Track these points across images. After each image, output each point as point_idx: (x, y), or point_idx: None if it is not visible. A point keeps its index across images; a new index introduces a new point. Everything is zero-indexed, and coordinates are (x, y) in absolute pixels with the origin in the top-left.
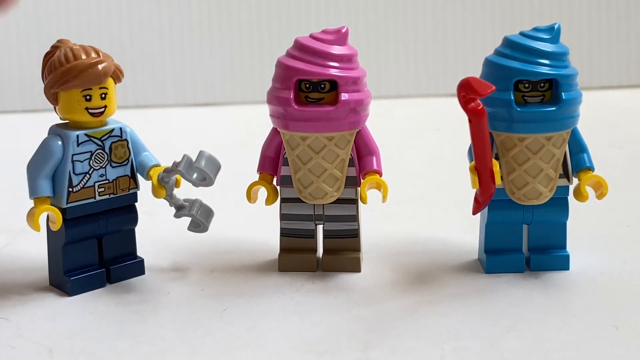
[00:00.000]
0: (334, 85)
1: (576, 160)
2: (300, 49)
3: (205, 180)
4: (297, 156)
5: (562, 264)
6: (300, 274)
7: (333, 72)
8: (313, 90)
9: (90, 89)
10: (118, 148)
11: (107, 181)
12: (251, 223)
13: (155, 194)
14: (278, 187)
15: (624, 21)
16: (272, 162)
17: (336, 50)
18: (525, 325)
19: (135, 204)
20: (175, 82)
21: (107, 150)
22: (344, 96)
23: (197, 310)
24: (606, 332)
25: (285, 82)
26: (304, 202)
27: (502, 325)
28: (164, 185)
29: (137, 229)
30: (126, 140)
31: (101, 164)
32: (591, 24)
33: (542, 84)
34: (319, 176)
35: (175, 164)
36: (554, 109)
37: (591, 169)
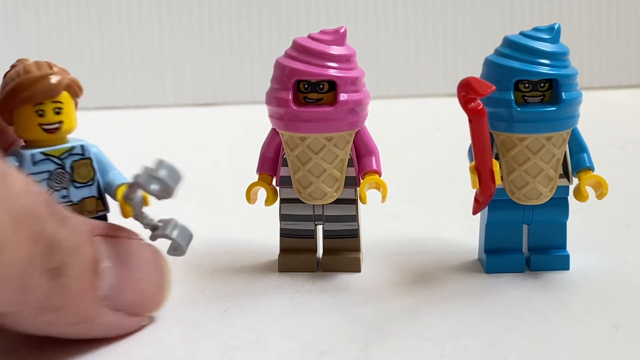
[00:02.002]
0: (332, 86)
1: (576, 160)
2: (299, 50)
3: (167, 191)
4: (296, 157)
5: (562, 264)
6: (300, 274)
7: (331, 72)
8: (312, 91)
9: (42, 103)
10: (81, 167)
11: (71, 202)
12: (251, 224)
13: (123, 213)
14: (277, 188)
15: (624, 21)
16: (272, 162)
17: (334, 50)
18: (525, 325)
19: None
20: (175, 82)
21: (68, 169)
22: (343, 96)
23: (197, 311)
24: (606, 332)
25: (284, 82)
26: (304, 203)
27: (502, 325)
28: (129, 202)
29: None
30: (89, 158)
31: (62, 184)
32: (591, 24)
33: (542, 84)
34: (318, 176)
35: (135, 177)
36: (554, 109)
37: (591, 168)
